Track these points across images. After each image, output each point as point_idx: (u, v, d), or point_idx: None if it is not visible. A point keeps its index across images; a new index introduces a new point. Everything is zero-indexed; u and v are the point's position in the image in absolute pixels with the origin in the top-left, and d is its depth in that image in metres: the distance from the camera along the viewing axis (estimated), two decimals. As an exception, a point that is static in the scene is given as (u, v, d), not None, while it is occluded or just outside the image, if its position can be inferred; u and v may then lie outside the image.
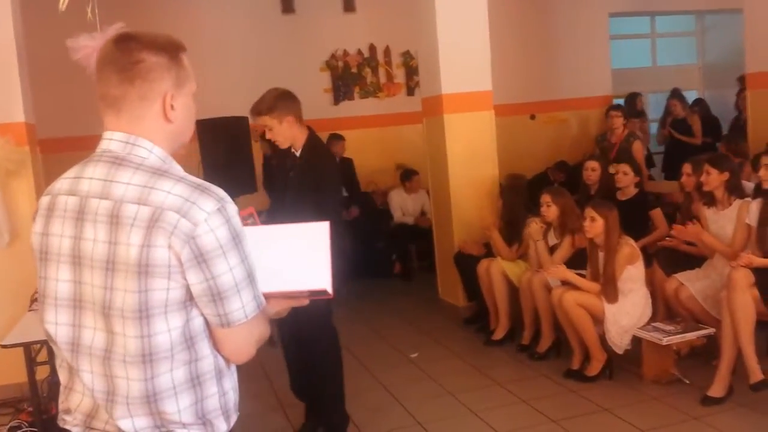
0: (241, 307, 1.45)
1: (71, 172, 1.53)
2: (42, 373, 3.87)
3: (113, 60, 1.47)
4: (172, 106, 1.51)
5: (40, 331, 3.54)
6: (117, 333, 1.42)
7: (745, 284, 3.79)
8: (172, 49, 1.51)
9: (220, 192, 1.45)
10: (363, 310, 6.51)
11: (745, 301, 3.77)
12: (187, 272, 1.40)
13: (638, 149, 6.75)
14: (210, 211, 1.40)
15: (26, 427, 4.03)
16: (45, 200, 1.54)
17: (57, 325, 1.50)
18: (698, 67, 10.83)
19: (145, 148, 1.48)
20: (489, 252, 5.56)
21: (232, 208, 1.44)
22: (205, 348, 1.48)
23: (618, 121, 6.94)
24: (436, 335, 5.63)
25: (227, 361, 1.54)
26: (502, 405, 4.16)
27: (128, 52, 1.46)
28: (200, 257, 1.39)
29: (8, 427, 4.10)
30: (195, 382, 1.47)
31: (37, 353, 3.70)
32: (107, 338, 1.44)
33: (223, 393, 1.53)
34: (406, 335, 5.70)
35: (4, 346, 3.42)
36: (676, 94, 8.75)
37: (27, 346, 3.49)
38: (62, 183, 1.53)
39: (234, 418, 1.58)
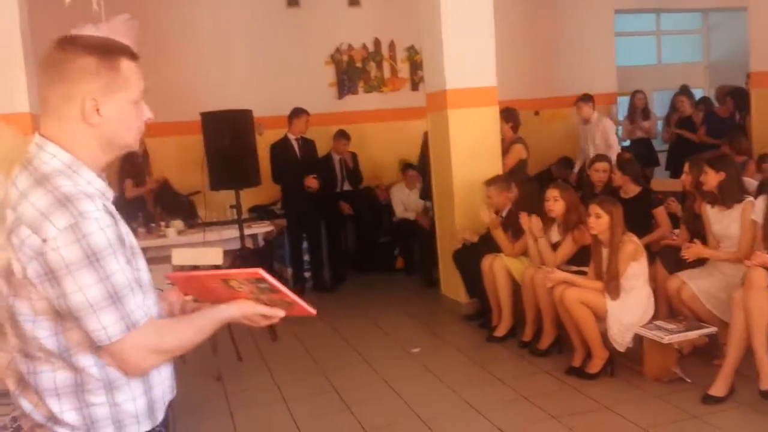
0: (101, 328, 1.40)
1: None
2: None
3: (45, 60, 1.50)
4: (97, 111, 1.48)
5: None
6: (7, 328, 1.49)
7: (762, 284, 3.74)
8: (107, 53, 1.49)
9: (85, 206, 1.39)
10: (365, 305, 6.52)
11: (761, 301, 3.71)
12: (39, 286, 1.39)
13: (515, 151, 6.53)
14: (61, 228, 1.36)
15: None
16: None
17: None
18: (704, 65, 10.79)
19: (49, 152, 1.48)
20: (485, 243, 5.55)
21: (91, 224, 1.38)
22: (87, 359, 1.46)
23: (505, 128, 6.63)
24: (438, 330, 5.64)
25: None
26: (502, 401, 4.17)
27: (60, 53, 1.48)
28: (50, 274, 1.37)
29: (11, 416, 4.11)
30: (79, 389, 1.47)
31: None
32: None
33: (115, 404, 1.50)
34: (407, 330, 5.71)
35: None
36: (684, 91, 8.69)
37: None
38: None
39: (133, 429, 1.54)
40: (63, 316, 1.42)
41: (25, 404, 1.51)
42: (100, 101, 1.48)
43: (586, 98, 7.59)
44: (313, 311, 1.64)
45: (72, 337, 1.44)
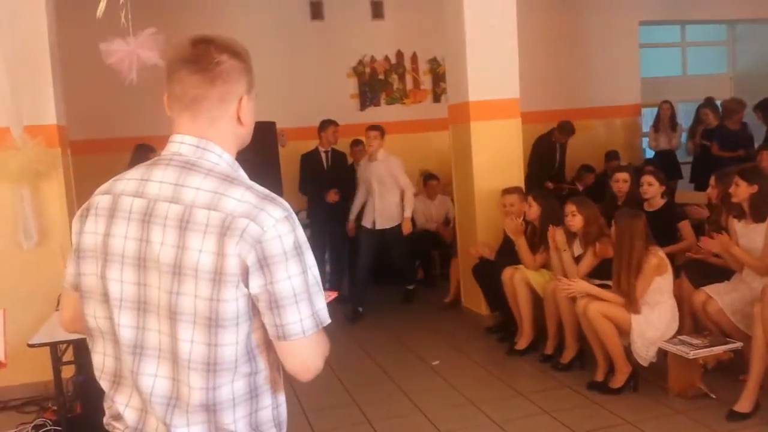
0: (299, 321, 1.41)
1: (136, 173, 1.50)
2: (67, 372, 3.90)
3: (193, 60, 1.46)
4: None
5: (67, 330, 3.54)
6: (181, 339, 1.40)
7: None
8: (245, 54, 1.53)
9: (286, 203, 1.45)
10: (385, 317, 6.51)
11: None
12: (250, 276, 1.38)
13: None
14: (279, 218, 1.40)
15: (50, 426, 4.07)
16: (105, 200, 1.50)
17: (120, 326, 1.46)
18: (729, 76, 10.69)
19: (215, 153, 1.48)
20: (503, 257, 5.51)
21: (295, 220, 1.44)
22: (264, 360, 1.48)
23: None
24: (458, 343, 5.60)
25: (294, 374, 1.50)
26: (524, 416, 4.13)
27: (208, 54, 1.46)
28: (264, 261, 1.37)
29: (33, 425, 4.15)
30: (252, 394, 1.46)
31: (63, 353, 3.74)
32: (171, 343, 1.42)
33: (277, 405, 1.54)
34: (427, 343, 5.68)
35: (31, 346, 3.45)
36: (709, 104, 8.61)
37: (53, 346, 3.52)
38: (126, 184, 1.49)
39: (285, 430, 1.58)
40: (256, 313, 1.42)
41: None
42: (247, 100, 1.52)
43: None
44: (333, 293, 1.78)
45: (256, 339, 1.45)
